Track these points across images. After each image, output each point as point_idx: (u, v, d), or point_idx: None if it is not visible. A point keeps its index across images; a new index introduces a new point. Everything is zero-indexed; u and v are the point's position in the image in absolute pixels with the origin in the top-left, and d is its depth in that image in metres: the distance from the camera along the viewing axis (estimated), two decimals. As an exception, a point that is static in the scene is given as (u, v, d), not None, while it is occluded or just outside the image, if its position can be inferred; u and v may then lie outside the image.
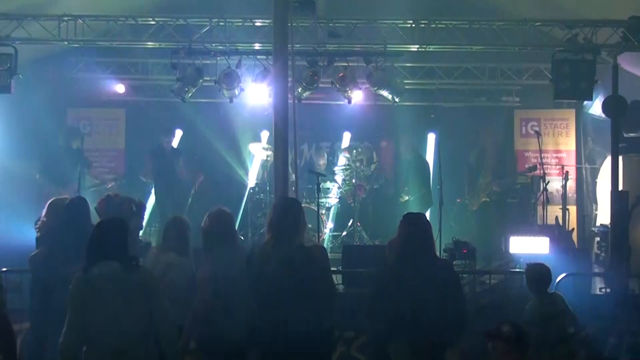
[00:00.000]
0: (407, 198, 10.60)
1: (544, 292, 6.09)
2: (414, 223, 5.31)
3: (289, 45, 6.76)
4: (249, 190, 11.35)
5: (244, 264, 5.46)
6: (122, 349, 4.52)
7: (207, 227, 5.59)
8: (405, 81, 11.40)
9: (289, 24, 6.73)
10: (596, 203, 11.67)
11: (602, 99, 9.16)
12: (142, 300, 4.62)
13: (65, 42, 9.46)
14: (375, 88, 10.07)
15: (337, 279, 7.71)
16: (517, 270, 8.37)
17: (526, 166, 11.36)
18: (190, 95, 10.14)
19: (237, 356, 5.40)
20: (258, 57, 9.85)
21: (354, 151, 11.19)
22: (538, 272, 6.12)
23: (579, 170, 12.18)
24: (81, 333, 4.51)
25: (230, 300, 5.37)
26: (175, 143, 11.59)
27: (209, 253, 5.49)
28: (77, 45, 9.77)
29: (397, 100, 10.38)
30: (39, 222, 6.55)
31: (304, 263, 5.07)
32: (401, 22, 9.41)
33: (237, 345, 5.35)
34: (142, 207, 6.73)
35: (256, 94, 10.26)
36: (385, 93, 10.23)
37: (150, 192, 11.15)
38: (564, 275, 7.46)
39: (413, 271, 5.11)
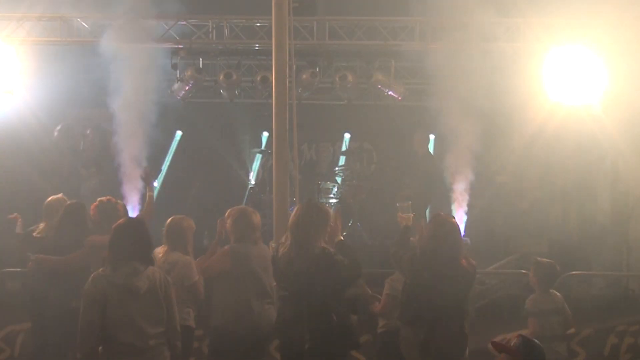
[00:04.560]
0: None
1: (547, 289, 6.14)
2: (443, 225, 5.35)
3: (288, 45, 6.77)
4: (249, 190, 11.34)
5: (251, 263, 5.56)
6: (141, 347, 4.50)
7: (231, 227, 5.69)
8: (406, 81, 11.37)
9: (289, 24, 6.73)
10: None
11: None
12: (159, 299, 4.61)
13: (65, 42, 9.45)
14: (376, 88, 10.04)
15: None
16: (517, 270, 8.36)
17: None
18: (190, 95, 10.13)
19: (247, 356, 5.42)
20: (258, 57, 9.84)
21: (354, 151, 11.16)
22: (548, 269, 6.19)
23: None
24: (98, 331, 4.47)
25: (240, 301, 5.41)
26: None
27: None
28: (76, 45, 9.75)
29: (399, 99, 10.37)
30: (37, 228, 6.50)
31: (323, 274, 5.00)
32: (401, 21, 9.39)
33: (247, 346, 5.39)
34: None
35: (256, 94, 10.25)
36: (386, 93, 10.21)
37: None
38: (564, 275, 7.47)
39: (435, 272, 5.19)
